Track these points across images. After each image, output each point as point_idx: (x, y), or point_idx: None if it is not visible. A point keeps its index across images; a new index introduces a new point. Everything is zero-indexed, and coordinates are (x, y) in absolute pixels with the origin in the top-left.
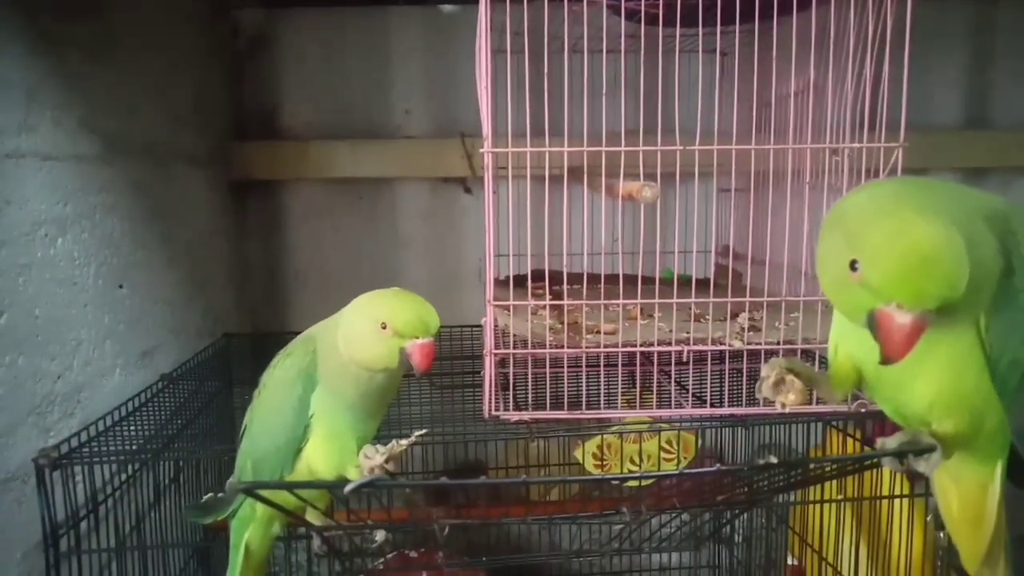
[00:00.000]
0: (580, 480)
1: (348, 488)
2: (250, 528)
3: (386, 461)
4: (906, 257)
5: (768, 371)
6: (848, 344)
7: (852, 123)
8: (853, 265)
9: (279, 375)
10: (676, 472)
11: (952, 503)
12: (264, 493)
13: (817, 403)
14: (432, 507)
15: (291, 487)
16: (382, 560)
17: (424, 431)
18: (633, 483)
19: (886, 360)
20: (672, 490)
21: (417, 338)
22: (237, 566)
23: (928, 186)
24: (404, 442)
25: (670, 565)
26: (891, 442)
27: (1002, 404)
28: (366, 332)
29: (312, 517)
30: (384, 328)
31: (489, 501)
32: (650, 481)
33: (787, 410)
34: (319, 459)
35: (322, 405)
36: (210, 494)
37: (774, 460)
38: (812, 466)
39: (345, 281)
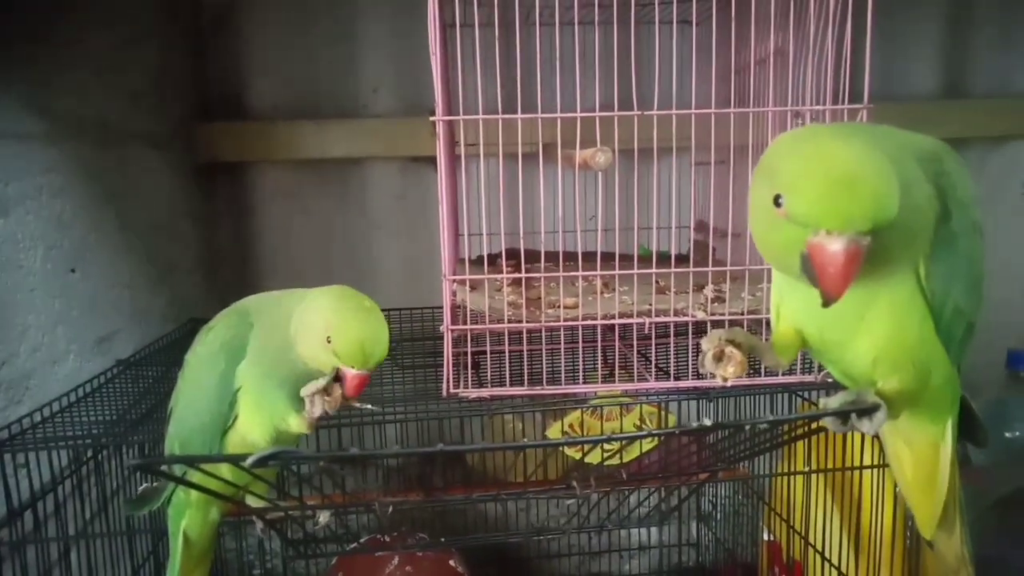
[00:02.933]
0: (499, 448)
1: (250, 460)
2: (187, 515)
3: (326, 392)
4: (827, 177)
5: (708, 344)
6: (788, 307)
7: (817, 89)
8: (777, 201)
9: (201, 351)
10: (604, 437)
11: (905, 465)
12: (194, 477)
13: (784, 375)
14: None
15: (191, 460)
16: (355, 544)
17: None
18: (594, 461)
19: (827, 299)
20: (637, 465)
21: (353, 367)
22: (177, 556)
23: (856, 126)
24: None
25: (649, 543)
26: (833, 401)
27: (948, 356)
28: (313, 336)
29: (251, 500)
30: (328, 342)
31: (462, 483)
32: (612, 461)
33: (728, 383)
34: (254, 428)
35: (250, 379)
36: (146, 484)
37: (708, 423)
38: (748, 427)
39: (317, 264)
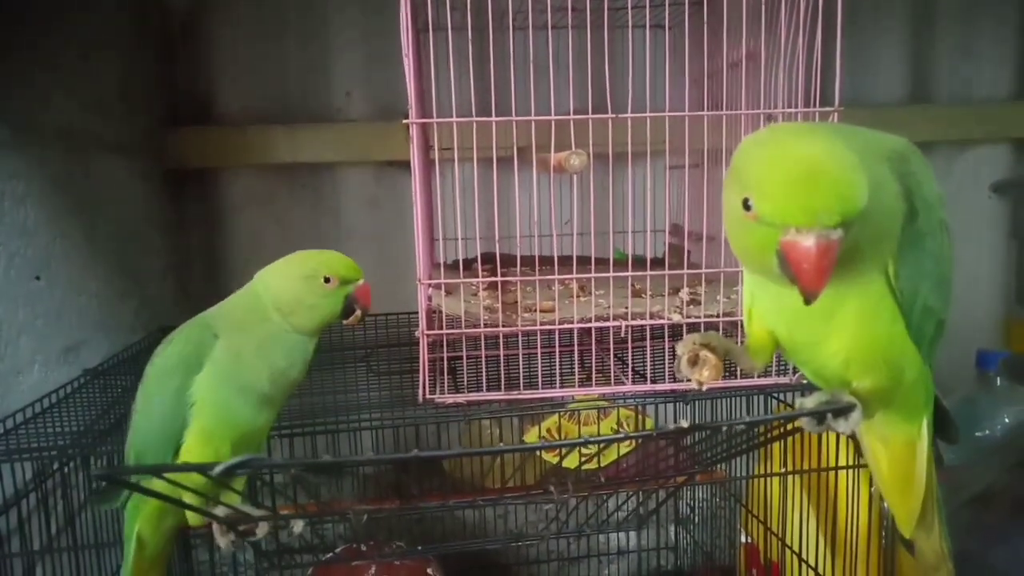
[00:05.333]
0: (475, 453)
1: (218, 468)
2: (139, 519)
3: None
4: (789, 174)
5: (683, 349)
6: (760, 310)
7: (789, 93)
8: (746, 204)
9: (159, 364)
10: (581, 440)
11: (882, 465)
12: (156, 486)
13: (759, 376)
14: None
15: (156, 470)
16: (331, 554)
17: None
18: (571, 465)
19: (806, 295)
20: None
21: (358, 281)
22: (129, 560)
23: (821, 125)
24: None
25: (627, 548)
26: (809, 401)
27: (920, 354)
28: (308, 291)
29: (221, 510)
30: (328, 282)
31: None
32: (590, 465)
33: (703, 387)
34: (212, 438)
35: (208, 393)
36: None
37: (685, 424)
38: (724, 428)
39: None
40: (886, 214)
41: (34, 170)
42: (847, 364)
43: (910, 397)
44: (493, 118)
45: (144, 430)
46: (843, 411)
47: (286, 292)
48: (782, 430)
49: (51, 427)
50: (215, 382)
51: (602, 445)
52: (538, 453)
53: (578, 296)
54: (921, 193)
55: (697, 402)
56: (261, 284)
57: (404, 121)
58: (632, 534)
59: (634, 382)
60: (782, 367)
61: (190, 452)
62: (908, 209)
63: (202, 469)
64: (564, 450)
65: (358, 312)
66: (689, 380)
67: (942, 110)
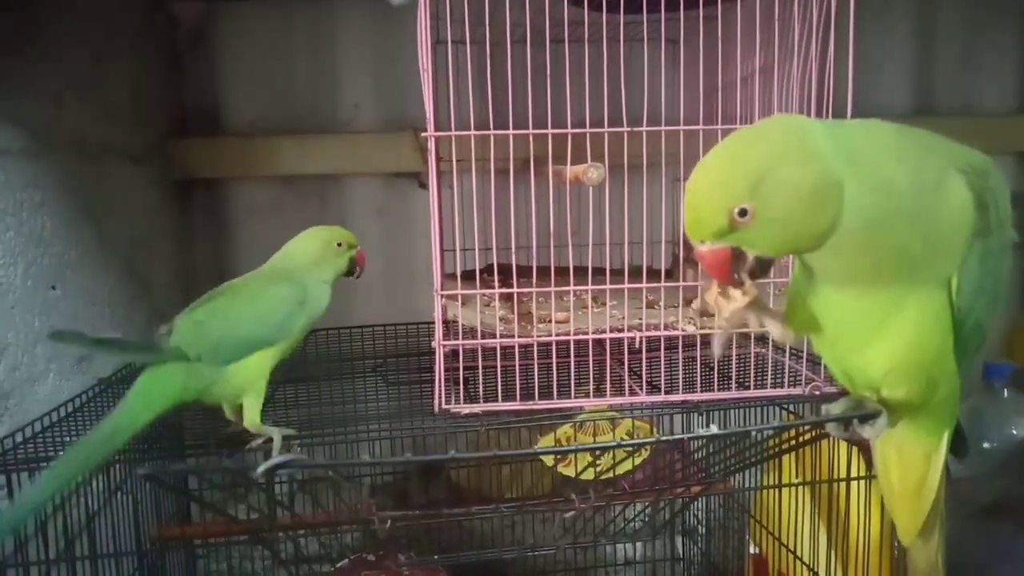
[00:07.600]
0: (508, 456)
1: (261, 468)
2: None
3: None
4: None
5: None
6: (807, 303)
7: (800, 106)
8: None
9: (280, 291)
10: (612, 444)
11: (892, 473)
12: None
13: (773, 388)
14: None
15: (201, 471)
16: (345, 560)
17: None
18: (588, 477)
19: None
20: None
21: (357, 247)
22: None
23: (854, 127)
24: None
25: (635, 558)
26: (835, 408)
27: (958, 371)
28: (320, 253)
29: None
30: (339, 246)
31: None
32: (605, 473)
33: (726, 314)
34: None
35: (299, 327)
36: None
37: (715, 429)
38: (754, 433)
39: None
40: (939, 222)
41: (50, 178)
42: (887, 373)
43: (937, 411)
44: (510, 131)
45: (249, 324)
46: (869, 417)
47: (314, 252)
48: (799, 440)
49: (68, 436)
50: (305, 319)
51: (627, 450)
52: (553, 467)
53: (591, 307)
54: (998, 211)
55: (710, 413)
56: (294, 249)
57: (423, 135)
58: (639, 545)
59: (647, 393)
60: (794, 379)
61: (259, 363)
62: (983, 225)
63: (242, 470)
64: (579, 464)
65: (358, 269)
66: (713, 314)
67: (946, 122)
